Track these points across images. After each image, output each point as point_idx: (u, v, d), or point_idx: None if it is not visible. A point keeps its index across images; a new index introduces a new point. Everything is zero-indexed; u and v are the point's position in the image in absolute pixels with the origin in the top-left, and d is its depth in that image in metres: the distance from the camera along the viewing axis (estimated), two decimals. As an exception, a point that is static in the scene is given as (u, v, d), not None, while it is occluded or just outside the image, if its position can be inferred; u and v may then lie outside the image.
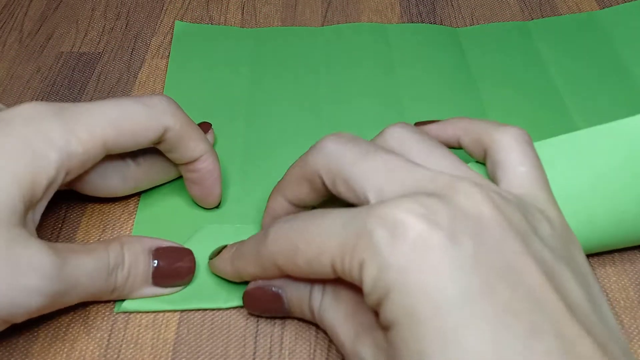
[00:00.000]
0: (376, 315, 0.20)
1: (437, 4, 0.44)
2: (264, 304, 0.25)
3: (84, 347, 0.25)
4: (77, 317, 0.26)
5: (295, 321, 0.26)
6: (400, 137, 0.24)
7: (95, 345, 0.25)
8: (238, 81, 0.38)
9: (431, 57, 0.40)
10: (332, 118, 0.35)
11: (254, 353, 0.25)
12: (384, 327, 0.19)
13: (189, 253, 0.26)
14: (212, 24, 0.42)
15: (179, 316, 0.26)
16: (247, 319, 0.26)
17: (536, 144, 0.25)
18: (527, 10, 0.44)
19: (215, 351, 0.25)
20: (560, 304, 0.18)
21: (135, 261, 0.25)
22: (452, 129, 0.26)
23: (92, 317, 0.26)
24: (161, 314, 0.26)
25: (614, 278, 0.27)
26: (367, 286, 0.19)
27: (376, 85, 0.37)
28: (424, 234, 0.18)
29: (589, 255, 0.28)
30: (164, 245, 0.26)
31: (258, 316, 0.26)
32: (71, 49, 0.40)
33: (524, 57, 0.40)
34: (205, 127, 0.32)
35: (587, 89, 0.37)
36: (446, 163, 0.22)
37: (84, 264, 0.23)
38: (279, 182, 0.27)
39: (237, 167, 0.32)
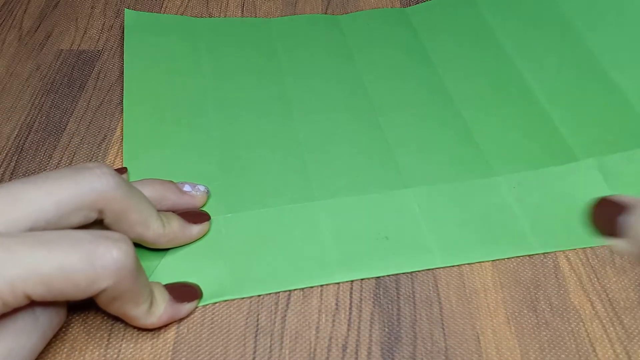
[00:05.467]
0: None
1: None
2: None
3: (84, 347, 0.25)
4: (77, 317, 0.26)
5: (296, 320, 0.26)
6: None
7: (95, 345, 0.25)
8: (200, 73, 0.37)
9: (385, 39, 0.41)
10: (301, 104, 0.36)
11: (254, 352, 0.25)
12: None
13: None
14: (163, 13, 0.42)
15: (179, 315, 0.26)
16: (247, 318, 0.26)
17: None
18: None
19: (215, 350, 0.25)
20: None
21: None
22: None
23: (92, 317, 0.26)
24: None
25: (614, 278, 0.27)
26: None
27: (338, 71, 0.38)
28: None
29: (590, 256, 0.28)
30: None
31: (256, 314, 0.26)
32: (70, 47, 0.40)
33: (472, 26, 0.41)
34: (203, 217, 0.29)
35: (535, 50, 0.38)
36: None
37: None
38: None
39: (216, 160, 0.32)
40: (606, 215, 0.20)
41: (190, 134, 0.34)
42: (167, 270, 0.27)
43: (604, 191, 0.30)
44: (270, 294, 0.27)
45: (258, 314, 0.26)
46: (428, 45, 0.40)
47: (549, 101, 0.35)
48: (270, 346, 0.25)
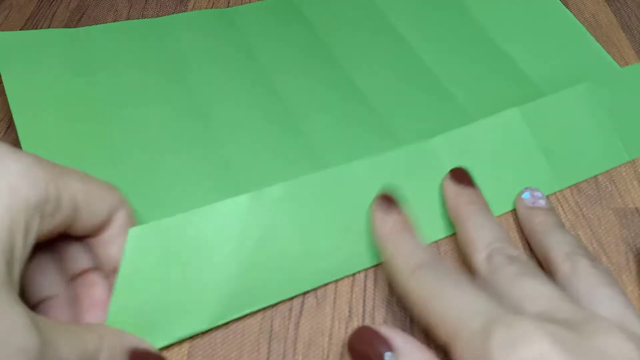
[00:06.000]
0: None
1: None
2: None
3: (101, 350, 0.25)
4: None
5: (309, 326, 0.26)
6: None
7: (112, 348, 0.25)
8: (96, 90, 0.35)
9: (280, 31, 0.41)
10: (215, 108, 0.35)
11: (268, 357, 0.25)
12: None
13: None
14: (35, 29, 0.39)
15: (194, 320, 0.26)
16: (261, 324, 0.26)
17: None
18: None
19: (229, 355, 0.25)
20: None
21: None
22: None
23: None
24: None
25: (630, 287, 0.27)
26: None
27: (240, 69, 0.38)
28: (546, 355, 0.18)
29: (605, 263, 0.28)
30: (141, 348, 0.23)
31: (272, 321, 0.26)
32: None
33: (365, 13, 0.42)
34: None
35: (431, 31, 0.40)
36: (612, 305, 0.22)
37: (62, 351, 0.19)
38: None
39: (132, 166, 0.31)
40: (366, 347, 0.21)
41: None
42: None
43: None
44: (284, 300, 0.27)
45: (272, 320, 0.26)
46: (327, 40, 0.40)
47: (451, 82, 0.37)
48: (284, 352, 0.25)
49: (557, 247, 0.25)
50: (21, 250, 0.20)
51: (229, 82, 0.37)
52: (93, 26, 0.39)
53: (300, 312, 0.27)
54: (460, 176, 0.28)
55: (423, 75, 0.38)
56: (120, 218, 0.24)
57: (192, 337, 0.26)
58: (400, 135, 0.34)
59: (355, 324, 0.26)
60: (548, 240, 0.25)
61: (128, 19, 0.44)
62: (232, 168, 0.32)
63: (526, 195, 0.28)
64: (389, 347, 0.21)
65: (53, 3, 0.45)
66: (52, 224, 0.21)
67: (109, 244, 0.24)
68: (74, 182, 0.22)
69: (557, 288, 0.22)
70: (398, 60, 0.39)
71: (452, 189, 0.27)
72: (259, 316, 0.26)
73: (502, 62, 0.38)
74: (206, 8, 0.44)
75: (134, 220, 0.25)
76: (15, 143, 0.33)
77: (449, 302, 0.21)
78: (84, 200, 0.22)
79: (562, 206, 0.30)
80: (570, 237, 0.25)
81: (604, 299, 0.22)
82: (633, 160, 0.32)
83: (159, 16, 0.43)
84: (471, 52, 0.39)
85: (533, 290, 0.22)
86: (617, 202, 0.31)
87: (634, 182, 0.31)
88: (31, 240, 0.20)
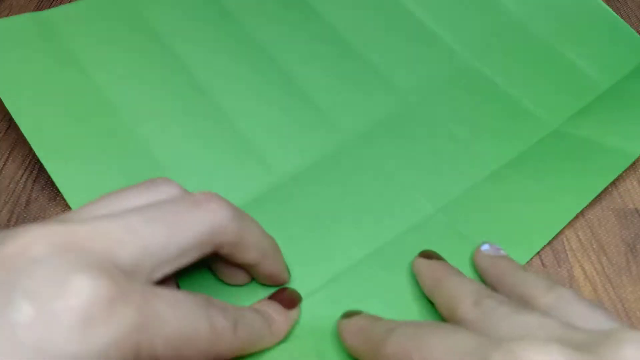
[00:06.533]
0: None
1: None
2: None
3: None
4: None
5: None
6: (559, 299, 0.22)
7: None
8: (89, 79, 0.33)
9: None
10: (215, 82, 0.34)
11: None
12: None
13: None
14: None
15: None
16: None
17: None
18: None
19: None
20: None
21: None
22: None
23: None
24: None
25: (630, 288, 0.27)
26: None
27: (226, 37, 0.37)
28: None
29: (605, 265, 0.28)
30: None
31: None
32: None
33: None
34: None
35: (363, 23, 0.39)
36: (601, 319, 0.21)
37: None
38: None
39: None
40: None
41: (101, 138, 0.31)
42: None
43: None
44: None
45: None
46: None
47: (383, 61, 0.37)
48: (284, 352, 0.25)
49: (534, 281, 0.24)
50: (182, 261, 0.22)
51: (219, 53, 0.36)
52: (59, 7, 0.36)
53: (301, 312, 0.27)
54: (430, 254, 0.28)
55: (411, 23, 0.38)
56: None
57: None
58: (396, 82, 0.35)
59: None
60: (522, 277, 0.24)
61: (128, 18, 0.44)
62: (252, 143, 0.32)
63: (486, 247, 0.28)
64: None
65: (53, 3, 0.45)
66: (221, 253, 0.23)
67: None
68: (255, 227, 0.24)
69: (559, 320, 0.21)
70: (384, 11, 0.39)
71: (424, 263, 0.27)
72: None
73: (432, 43, 0.38)
74: None
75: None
76: (16, 143, 0.33)
77: (435, 350, 0.20)
78: (254, 243, 0.24)
79: (562, 207, 0.30)
80: (542, 275, 0.25)
81: (601, 319, 0.21)
82: (633, 161, 0.32)
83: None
84: (405, 37, 0.39)
85: (537, 321, 0.20)
86: (617, 203, 0.31)
87: (634, 183, 0.31)
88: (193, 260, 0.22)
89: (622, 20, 0.38)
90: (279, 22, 0.38)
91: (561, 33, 0.38)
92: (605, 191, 0.31)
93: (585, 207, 0.30)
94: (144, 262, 0.20)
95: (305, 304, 0.26)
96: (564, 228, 0.29)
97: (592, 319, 0.21)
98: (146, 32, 0.36)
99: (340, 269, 0.27)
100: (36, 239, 0.18)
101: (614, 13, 0.38)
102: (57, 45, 0.34)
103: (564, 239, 0.29)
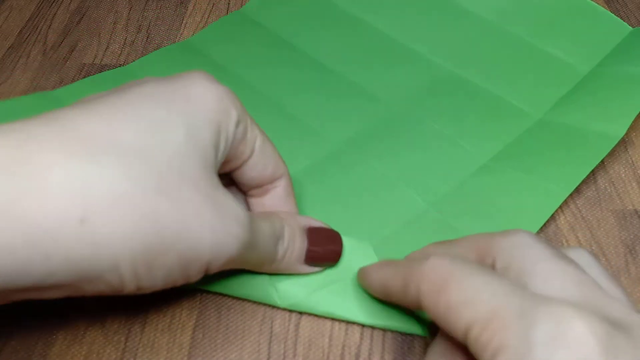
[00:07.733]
0: None
1: None
2: None
3: (101, 350, 0.25)
4: (95, 321, 0.26)
5: (309, 327, 0.26)
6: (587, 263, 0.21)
7: (112, 349, 0.25)
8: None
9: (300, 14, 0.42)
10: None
11: (268, 359, 0.25)
12: None
13: (339, 237, 0.27)
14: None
15: (194, 321, 0.26)
16: (261, 325, 0.26)
17: None
18: None
19: (229, 356, 0.25)
20: None
21: (293, 237, 0.25)
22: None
23: (110, 321, 0.26)
24: (177, 318, 0.26)
25: (629, 289, 0.27)
26: None
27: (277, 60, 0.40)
28: (593, 357, 0.16)
29: (604, 266, 0.28)
30: (315, 225, 0.27)
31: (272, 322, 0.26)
32: (93, 61, 0.41)
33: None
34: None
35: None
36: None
37: (262, 225, 0.23)
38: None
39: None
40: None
41: None
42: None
43: None
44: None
45: (272, 321, 0.26)
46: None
47: (364, 79, 0.38)
48: (284, 353, 0.25)
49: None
50: (221, 153, 0.22)
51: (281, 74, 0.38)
52: (70, 85, 0.37)
53: (301, 313, 0.27)
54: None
55: (387, 42, 0.40)
56: (281, 186, 0.26)
57: (192, 338, 0.26)
58: (379, 95, 0.36)
59: (355, 326, 0.26)
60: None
61: (128, 20, 0.44)
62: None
63: None
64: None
65: (53, 4, 0.45)
66: (237, 150, 0.24)
67: (269, 208, 0.26)
68: (258, 129, 0.24)
69: (593, 281, 0.20)
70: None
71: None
72: (259, 317, 0.26)
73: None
74: (206, 9, 0.44)
75: (293, 191, 0.27)
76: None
77: (475, 283, 0.19)
78: (260, 147, 0.25)
79: (561, 208, 0.30)
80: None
81: (622, 297, 0.20)
82: (632, 161, 0.32)
83: (159, 18, 0.43)
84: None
85: (576, 275, 0.19)
86: (616, 204, 0.31)
87: (633, 184, 0.32)
88: (226, 150, 0.23)
89: (594, 3, 0.39)
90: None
91: (537, 30, 0.39)
92: (604, 192, 0.31)
93: (585, 208, 0.30)
94: None
95: (304, 306, 0.26)
96: (564, 229, 0.29)
97: (615, 292, 0.20)
98: None
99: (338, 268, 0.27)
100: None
101: None
102: None
103: (564, 240, 0.29)
